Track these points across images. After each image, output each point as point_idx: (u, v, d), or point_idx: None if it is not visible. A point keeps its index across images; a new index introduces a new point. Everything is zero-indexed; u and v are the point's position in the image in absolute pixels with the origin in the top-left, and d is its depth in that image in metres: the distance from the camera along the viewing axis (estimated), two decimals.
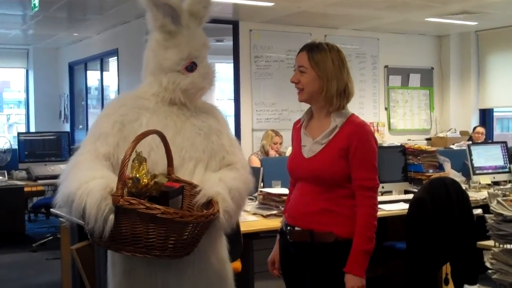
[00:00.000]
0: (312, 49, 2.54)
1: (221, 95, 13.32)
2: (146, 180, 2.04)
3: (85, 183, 2.00)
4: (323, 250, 2.48)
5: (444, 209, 3.89)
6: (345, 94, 2.53)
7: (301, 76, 2.54)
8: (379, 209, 4.22)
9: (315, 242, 2.48)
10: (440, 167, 5.50)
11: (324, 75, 2.49)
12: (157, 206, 1.94)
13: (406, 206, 4.16)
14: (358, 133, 2.48)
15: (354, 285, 2.41)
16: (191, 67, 2.33)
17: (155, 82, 2.36)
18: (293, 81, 2.58)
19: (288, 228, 2.59)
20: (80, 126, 10.86)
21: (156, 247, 1.99)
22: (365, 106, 9.29)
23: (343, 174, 2.47)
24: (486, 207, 3.65)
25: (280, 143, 6.87)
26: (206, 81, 2.37)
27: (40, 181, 7.04)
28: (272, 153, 6.74)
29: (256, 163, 6.03)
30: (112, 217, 1.93)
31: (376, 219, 2.47)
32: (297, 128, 2.69)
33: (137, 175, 2.03)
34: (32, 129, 11.30)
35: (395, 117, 9.70)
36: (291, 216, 2.61)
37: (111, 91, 9.70)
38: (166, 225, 1.97)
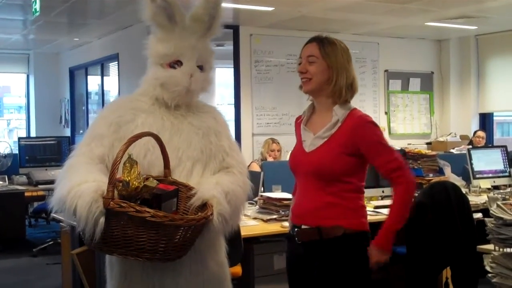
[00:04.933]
0: (322, 40, 2.56)
1: (221, 100, 13.33)
2: (136, 183, 2.04)
3: (77, 185, 2.02)
4: (332, 245, 2.46)
5: (444, 213, 3.90)
6: (352, 88, 2.54)
7: (310, 66, 2.53)
8: (379, 214, 4.26)
9: (323, 238, 2.47)
10: (440, 171, 5.51)
11: (334, 66, 2.50)
12: (147, 209, 1.95)
13: None
14: (361, 127, 2.47)
15: (381, 259, 2.45)
16: (174, 64, 2.34)
17: (145, 79, 2.39)
18: (301, 71, 2.56)
19: (296, 229, 2.57)
20: (81, 131, 10.87)
21: (147, 250, 2.00)
22: (365, 110, 9.06)
23: (343, 170, 2.46)
24: (486, 211, 3.65)
25: (278, 150, 6.91)
26: (186, 80, 2.32)
27: (40, 186, 7.04)
28: (270, 160, 6.79)
29: (257, 170, 6.05)
30: (102, 219, 1.95)
31: (412, 198, 2.50)
32: (298, 124, 2.69)
33: (128, 178, 2.03)
34: (33, 134, 11.31)
35: (395, 121, 9.71)
36: (296, 215, 2.60)
37: (112, 96, 9.71)
38: (156, 228, 1.97)
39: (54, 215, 4.48)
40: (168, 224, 1.97)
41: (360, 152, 2.47)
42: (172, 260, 2.10)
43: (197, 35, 2.37)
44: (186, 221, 2.03)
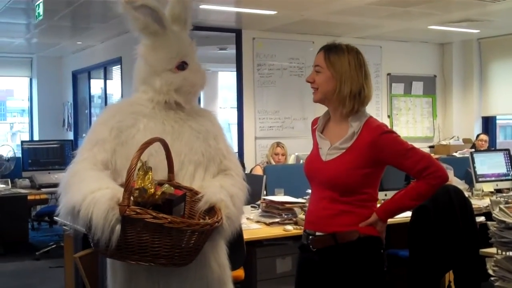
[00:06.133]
0: (329, 49, 2.52)
1: (224, 103, 13.32)
2: (152, 190, 2.04)
3: (91, 193, 2.00)
4: (347, 249, 2.45)
5: (447, 217, 3.90)
6: (360, 96, 2.49)
7: (316, 76, 2.52)
8: None
9: (339, 243, 2.45)
10: None
11: (338, 75, 2.47)
12: (164, 216, 1.94)
13: (409, 213, 4.16)
14: (379, 140, 2.45)
15: (383, 230, 2.51)
16: (182, 65, 2.35)
17: (149, 88, 2.37)
18: (309, 81, 2.56)
19: (310, 237, 2.54)
20: (84, 134, 10.79)
21: (162, 255, 2.00)
22: None
23: (359, 182, 2.44)
24: (489, 215, 3.66)
25: (283, 154, 6.89)
26: (198, 77, 2.38)
27: (43, 189, 7.04)
28: (273, 164, 6.79)
29: (260, 173, 6.05)
30: (118, 227, 1.94)
31: (434, 192, 2.49)
32: (313, 130, 2.66)
33: (142, 185, 2.03)
34: (36, 138, 11.33)
35: (398, 125, 9.71)
36: (310, 222, 2.58)
37: (114, 100, 9.72)
38: (172, 234, 1.97)
39: (58, 218, 4.49)
40: (185, 230, 1.98)
41: (384, 163, 2.48)
42: (185, 265, 2.10)
43: (182, 33, 2.41)
44: (201, 226, 2.04)
